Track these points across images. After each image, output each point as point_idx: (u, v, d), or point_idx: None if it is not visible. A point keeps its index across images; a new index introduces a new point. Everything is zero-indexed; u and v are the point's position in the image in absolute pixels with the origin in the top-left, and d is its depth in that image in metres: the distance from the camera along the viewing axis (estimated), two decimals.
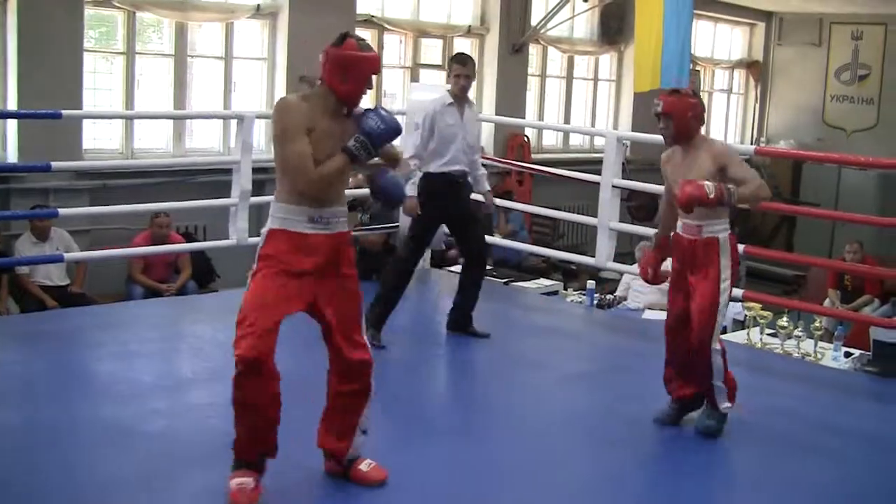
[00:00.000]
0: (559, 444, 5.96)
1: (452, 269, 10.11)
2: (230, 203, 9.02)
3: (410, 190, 7.49)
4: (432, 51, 14.94)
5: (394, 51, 14.50)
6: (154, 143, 11.93)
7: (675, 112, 5.89)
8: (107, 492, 4.91)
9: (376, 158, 4.98)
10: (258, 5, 12.56)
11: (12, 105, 10.46)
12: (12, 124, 10.59)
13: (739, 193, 5.64)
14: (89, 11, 11.19)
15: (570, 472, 5.57)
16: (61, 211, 8.80)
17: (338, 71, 4.79)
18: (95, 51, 11.51)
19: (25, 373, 6.76)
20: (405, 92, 14.17)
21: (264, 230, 4.84)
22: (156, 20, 12.03)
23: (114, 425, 5.71)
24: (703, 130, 6.02)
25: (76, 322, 8.39)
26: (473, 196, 8.19)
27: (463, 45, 15.13)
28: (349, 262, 4.94)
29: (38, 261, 9.72)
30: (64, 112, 8.63)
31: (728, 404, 5.99)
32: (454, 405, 6.94)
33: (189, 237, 11.07)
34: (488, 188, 8.16)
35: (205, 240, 10.92)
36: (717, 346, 5.88)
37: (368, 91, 4.90)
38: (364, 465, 5.15)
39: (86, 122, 10.96)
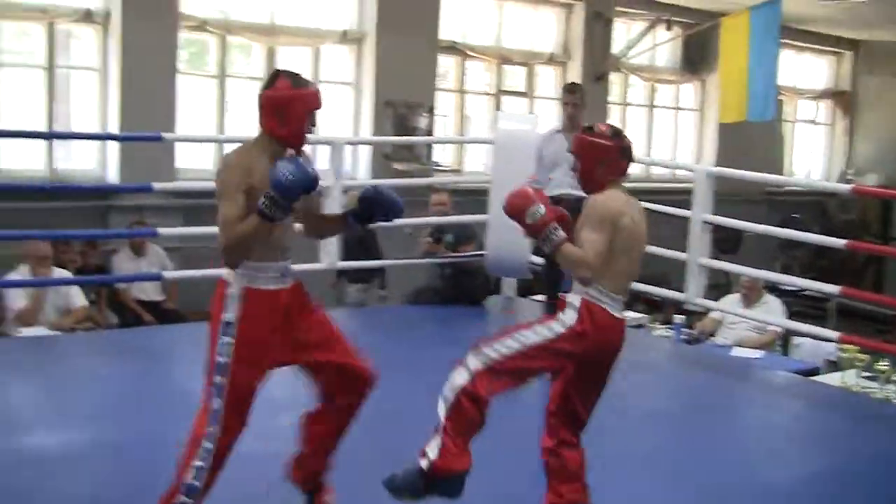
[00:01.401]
0: (637, 483, 5.78)
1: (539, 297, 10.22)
2: None
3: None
4: (516, 77, 15.11)
5: (477, 77, 14.69)
6: None
7: (582, 154, 4.86)
8: None
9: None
10: (345, 31, 12.85)
11: (114, 127, 10.88)
12: (113, 145, 10.97)
13: (565, 249, 4.66)
14: (184, 35, 11.52)
15: None
16: (160, 230, 9.06)
17: (273, 114, 4.50)
18: (189, 74, 11.84)
19: (120, 388, 6.96)
20: (489, 119, 14.33)
21: (232, 291, 4.52)
22: (245, 44, 12.34)
23: None
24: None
25: (171, 338, 8.64)
26: None
27: (545, 73, 15.33)
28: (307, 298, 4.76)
29: (139, 278, 10.12)
30: (164, 135, 8.96)
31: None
32: (528, 441, 6.90)
33: None
34: None
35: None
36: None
37: (313, 128, 4.57)
38: (329, 498, 5.06)
39: (179, 143, 11.25)
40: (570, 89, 8.27)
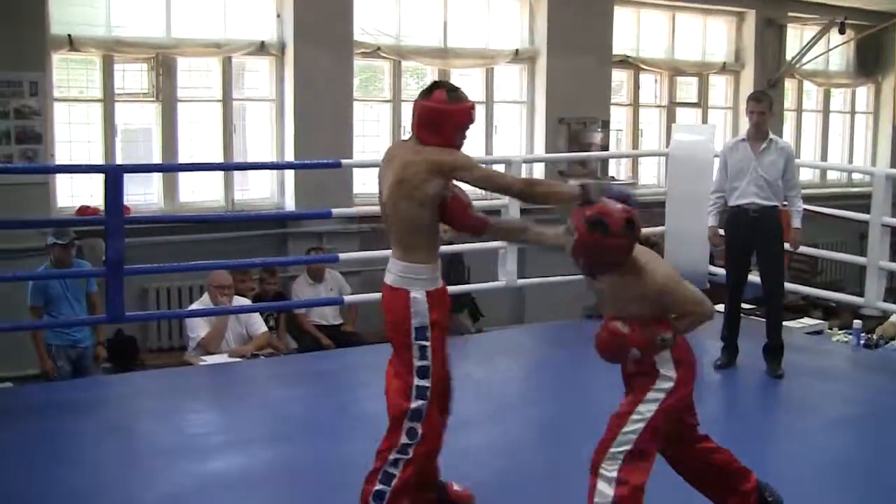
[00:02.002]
0: (826, 492, 5.73)
1: (716, 307, 10.09)
2: (499, 246, 9.18)
3: (711, 220, 8.22)
4: (688, 89, 14.93)
5: (649, 90, 14.56)
6: None
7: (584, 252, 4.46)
8: None
9: None
10: (517, 50, 12.85)
11: (290, 154, 11.05)
12: (290, 173, 11.18)
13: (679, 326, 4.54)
14: (358, 62, 11.65)
15: None
16: (341, 256, 9.14)
17: (426, 124, 4.68)
18: (363, 100, 11.95)
19: (300, 411, 7.10)
20: (661, 131, 14.22)
21: (418, 295, 4.72)
22: (419, 68, 12.44)
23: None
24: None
25: (349, 361, 8.71)
26: None
27: (718, 83, 15.17)
28: None
29: (321, 303, 10.24)
30: (343, 161, 9.06)
31: None
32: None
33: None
34: (796, 226, 8.18)
35: (469, 281, 11.10)
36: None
37: (463, 141, 4.76)
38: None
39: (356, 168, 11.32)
40: (756, 98, 8.11)
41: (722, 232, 8.26)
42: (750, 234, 7.98)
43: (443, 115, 4.66)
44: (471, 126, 4.77)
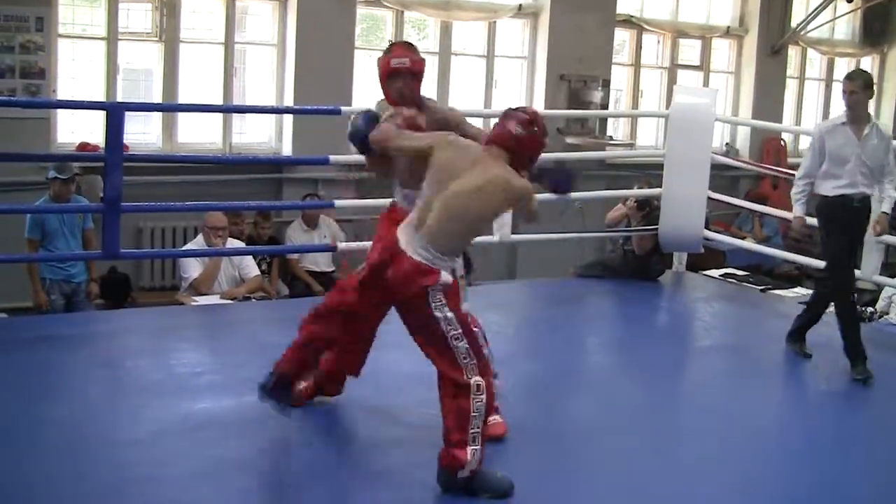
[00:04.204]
0: (819, 464, 5.70)
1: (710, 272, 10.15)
2: None
3: (800, 209, 7.51)
4: (690, 51, 14.93)
5: (652, 51, 14.57)
6: None
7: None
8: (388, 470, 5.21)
9: None
10: (520, 5, 12.84)
11: (289, 100, 11.13)
12: (289, 119, 11.22)
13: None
14: (360, 10, 11.66)
15: (837, 494, 5.32)
16: (336, 203, 9.19)
17: None
18: (364, 48, 11.93)
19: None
20: (661, 93, 14.23)
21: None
22: (421, 19, 12.44)
23: (378, 412, 5.91)
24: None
25: None
26: None
27: (721, 46, 15.14)
28: None
29: (315, 249, 10.31)
30: (343, 108, 9.00)
31: None
32: (703, 413, 6.64)
33: None
34: (884, 210, 7.54)
35: None
36: None
37: (398, 87, 5.63)
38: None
39: None
40: (849, 76, 7.43)
41: (810, 221, 7.69)
42: (855, 225, 7.38)
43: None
44: (393, 76, 5.66)
